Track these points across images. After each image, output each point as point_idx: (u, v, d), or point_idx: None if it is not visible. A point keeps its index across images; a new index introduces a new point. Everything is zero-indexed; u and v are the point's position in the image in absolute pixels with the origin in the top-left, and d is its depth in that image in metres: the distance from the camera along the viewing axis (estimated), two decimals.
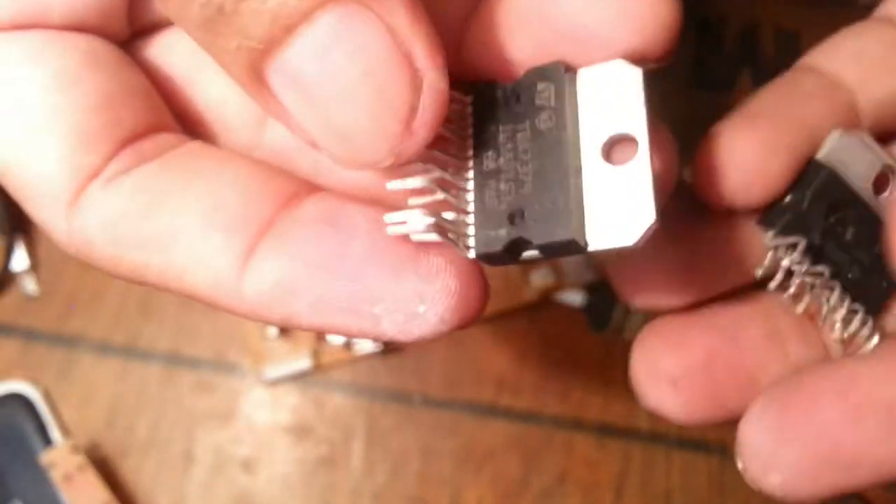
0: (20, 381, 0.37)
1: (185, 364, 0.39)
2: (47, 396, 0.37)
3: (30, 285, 0.39)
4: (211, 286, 0.15)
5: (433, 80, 0.14)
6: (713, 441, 0.38)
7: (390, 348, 0.39)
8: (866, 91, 0.20)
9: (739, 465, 0.19)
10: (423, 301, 0.15)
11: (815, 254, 0.19)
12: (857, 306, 0.20)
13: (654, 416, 0.20)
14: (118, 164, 0.16)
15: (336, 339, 0.38)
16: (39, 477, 0.35)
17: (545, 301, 0.39)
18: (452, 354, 0.39)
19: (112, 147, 0.16)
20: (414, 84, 0.14)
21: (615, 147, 0.16)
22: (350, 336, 0.16)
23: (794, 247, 0.19)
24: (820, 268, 0.19)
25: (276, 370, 0.38)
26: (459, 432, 0.38)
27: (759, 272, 0.20)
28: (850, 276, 0.19)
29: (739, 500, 0.37)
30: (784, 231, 0.19)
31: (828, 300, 0.20)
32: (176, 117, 0.18)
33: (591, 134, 0.16)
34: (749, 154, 0.19)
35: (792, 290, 0.20)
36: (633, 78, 0.15)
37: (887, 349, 0.18)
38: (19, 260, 0.39)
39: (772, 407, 0.18)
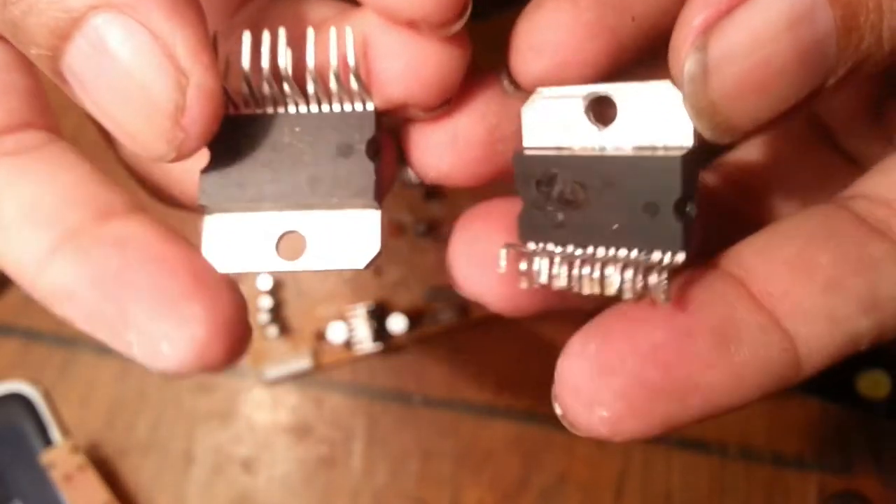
0: (20, 381, 0.37)
1: None
2: (47, 396, 0.37)
3: None
4: (15, 273, 0.17)
5: (199, 79, 0.15)
6: (713, 441, 0.38)
7: (390, 348, 0.39)
8: None
9: (557, 410, 0.17)
10: (168, 341, 0.16)
11: (558, 235, 0.17)
12: (635, 255, 0.17)
13: None
14: None
15: (336, 339, 0.38)
16: (39, 477, 0.35)
17: None
18: (452, 354, 0.39)
19: None
20: (178, 82, 0.15)
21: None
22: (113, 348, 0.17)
23: (529, 253, 0.17)
24: (558, 249, 0.17)
25: (276, 370, 0.38)
26: (459, 432, 0.38)
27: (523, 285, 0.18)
28: (612, 228, 0.17)
29: (739, 500, 0.37)
30: (523, 238, 0.18)
31: (592, 271, 0.17)
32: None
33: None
34: (565, 33, 0.17)
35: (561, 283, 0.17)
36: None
37: (711, 277, 0.17)
38: None
39: (593, 335, 0.17)
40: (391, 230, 0.40)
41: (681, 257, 0.16)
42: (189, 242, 0.18)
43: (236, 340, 0.17)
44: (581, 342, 0.17)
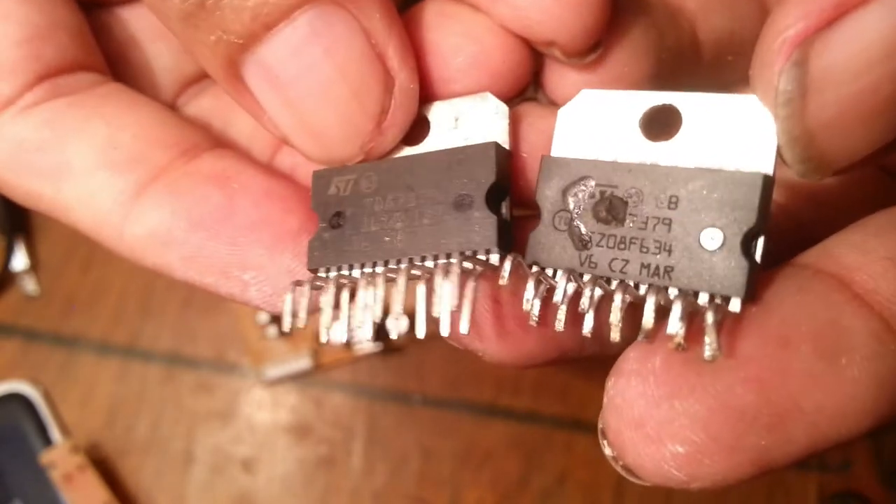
0: (20, 381, 0.37)
1: (185, 364, 0.39)
2: (47, 396, 0.37)
3: (30, 285, 0.39)
4: (93, 223, 0.16)
5: (404, 81, 0.14)
6: None
7: (390, 348, 0.39)
8: (706, 20, 0.17)
9: (608, 451, 0.13)
10: (293, 278, 0.15)
11: (581, 258, 0.14)
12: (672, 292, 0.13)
13: None
14: (33, 95, 0.16)
15: (336, 339, 0.38)
16: (39, 477, 0.35)
17: None
18: (452, 354, 0.39)
19: (28, 79, 0.16)
20: (386, 84, 0.14)
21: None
22: (217, 293, 0.16)
23: (543, 273, 0.14)
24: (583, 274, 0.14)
25: (276, 370, 0.38)
26: (459, 432, 0.38)
27: (531, 315, 0.14)
28: (654, 255, 0.13)
29: (739, 500, 0.37)
30: (532, 259, 0.15)
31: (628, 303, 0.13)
32: (115, 72, 0.18)
33: None
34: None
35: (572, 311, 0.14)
36: None
37: (802, 276, 0.13)
38: (19, 260, 0.39)
39: (656, 348, 0.12)
40: None
41: (736, 306, 0.12)
42: (286, 175, 0.17)
43: None
44: (639, 356, 0.13)
